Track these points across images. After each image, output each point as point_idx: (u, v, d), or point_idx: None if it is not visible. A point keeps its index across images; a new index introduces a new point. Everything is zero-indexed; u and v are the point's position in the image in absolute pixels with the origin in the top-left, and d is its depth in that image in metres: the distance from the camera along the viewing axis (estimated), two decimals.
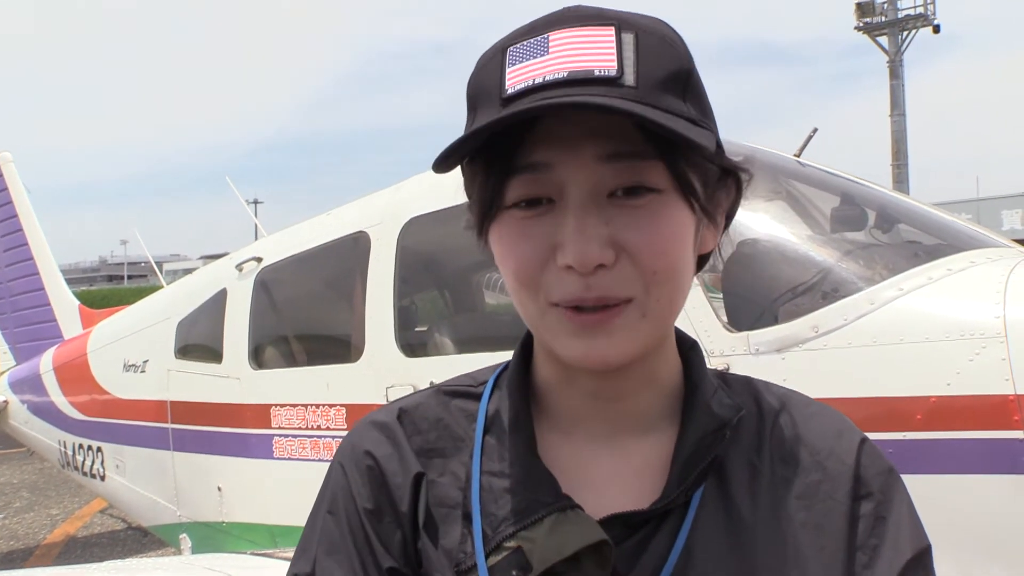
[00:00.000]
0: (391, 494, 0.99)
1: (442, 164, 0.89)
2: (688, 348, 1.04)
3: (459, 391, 1.06)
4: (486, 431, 1.01)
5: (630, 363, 0.92)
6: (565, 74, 0.85)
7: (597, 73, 0.85)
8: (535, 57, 0.87)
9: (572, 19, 0.89)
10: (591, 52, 0.86)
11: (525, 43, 0.89)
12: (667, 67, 0.88)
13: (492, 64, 0.90)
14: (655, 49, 0.88)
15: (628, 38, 0.87)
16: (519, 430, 0.98)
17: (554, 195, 0.88)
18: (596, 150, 0.86)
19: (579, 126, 0.86)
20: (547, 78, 0.86)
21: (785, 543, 0.94)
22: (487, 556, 0.92)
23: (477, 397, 1.05)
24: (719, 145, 0.94)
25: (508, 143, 0.88)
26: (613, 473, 0.98)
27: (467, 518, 0.96)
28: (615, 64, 0.85)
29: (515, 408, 1.00)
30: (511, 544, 0.91)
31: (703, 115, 0.91)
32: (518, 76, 0.87)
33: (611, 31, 0.87)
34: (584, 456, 0.99)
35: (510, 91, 0.87)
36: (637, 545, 0.92)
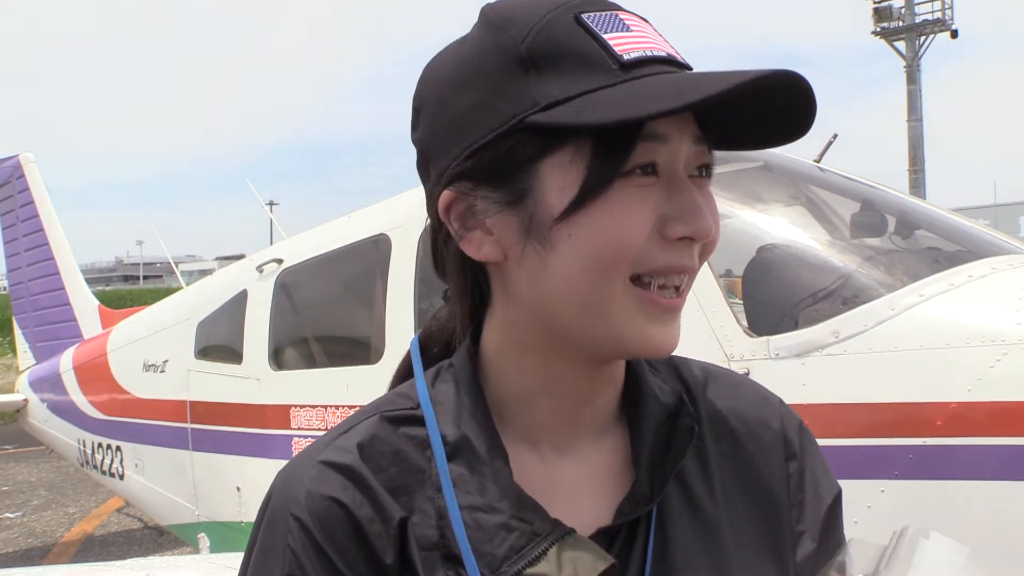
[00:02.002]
0: (370, 545, 0.88)
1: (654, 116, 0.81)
2: None
3: (402, 417, 0.94)
4: (451, 459, 0.90)
5: None
6: (664, 54, 0.85)
7: (678, 59, 0.86)
8: (623, 31, 0.85)
9: (611, 5, 0.88)
10: (657, 37, 0.87)
11: (600, 14, 0.85)
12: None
13: (566, 25, 0.85)
14: None
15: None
16: (497, 457, 0.90)
17: (661, 169, 0.85)
18: (692, 132, 0.86)
19: None
20: (655, 53, 0.85)
21: (735, 517, 0.96)
22: None
23: (419, 421, 0.93)
24: None
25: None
26: (578, 481, 0.95)
27: (450, 560, 0.87)
28: (677, 54, 0.87)
29: (486, 432, 0.91)
30: None
31: None
32: (625, 45, 0.84)
33: (643, 21, 0.88)
34: (549, 468, 0.95)
35: (626, 56, 0.83)
36: (620, 553, 0.90)
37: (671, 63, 0.85)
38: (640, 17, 0.89)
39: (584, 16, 0.85)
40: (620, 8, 0.88)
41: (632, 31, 0.85)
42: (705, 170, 0.89)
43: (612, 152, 0.82)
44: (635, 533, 0.92)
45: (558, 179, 0.84)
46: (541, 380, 0.93)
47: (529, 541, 0.86)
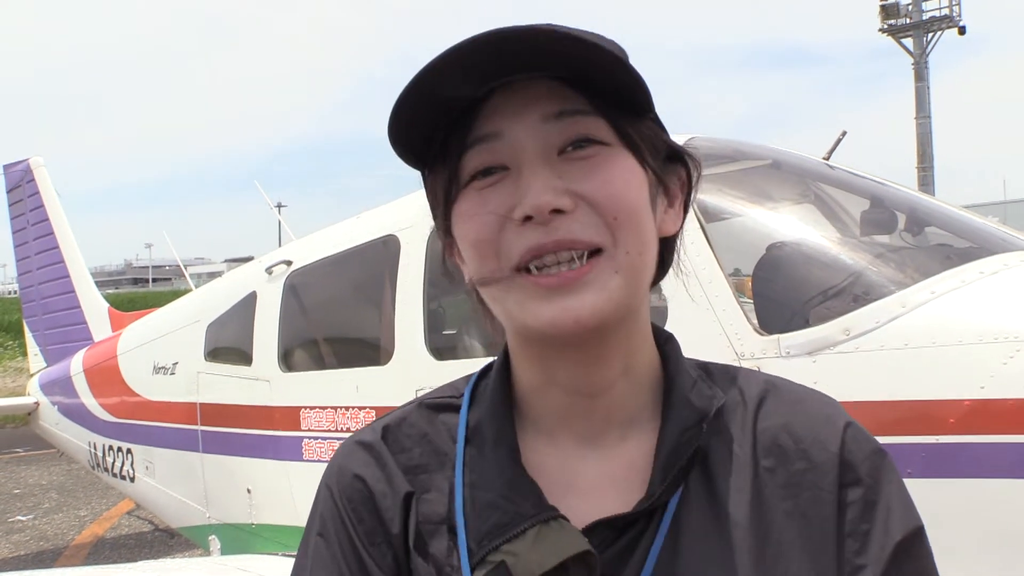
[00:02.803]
0: (381, 516, 1.00)
1: (395, 133, 0.94)
2: (664, 341, 1.04)
3: (442, 404, 1.06)
4: (467, 443, 1.00)
5: (604, 327, 0.92)
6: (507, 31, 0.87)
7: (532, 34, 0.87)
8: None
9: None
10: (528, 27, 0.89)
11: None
12: (607, 45, 0.91)
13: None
14: (591, 35, 0.90)
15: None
16: (501, 441, 0.98)
17: (508, 163, 0.92)
18: (541, 111, 0.91)
19: (523, 94, 0.91)
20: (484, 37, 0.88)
21: (770, 534, 0.93)
22: (472, 570, 0.91)
23: (458, 409, 1.05)
24: (660, 125, 0.99)
25: (459, 127, 0.93)
26: (599, 476, 0.98)
27: (452, 532, 0.96)
28: (549, 27, 0.88)
29: (496, 418, 1.00)
30: (495, 558, 0.90)
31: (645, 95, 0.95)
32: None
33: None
34: (570, 461, 0.99)
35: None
36: (625, 548, 0.92)
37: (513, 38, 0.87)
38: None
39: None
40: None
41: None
42: (579, 144, 0.92)
43: (446, 168, 0.95)
44: (647, 528, 0.93)
45: (440, 198, 0.98)
46: (541, 369, 0.99)
47: (512, 520, 0.92)
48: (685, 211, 1.04)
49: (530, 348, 0.99)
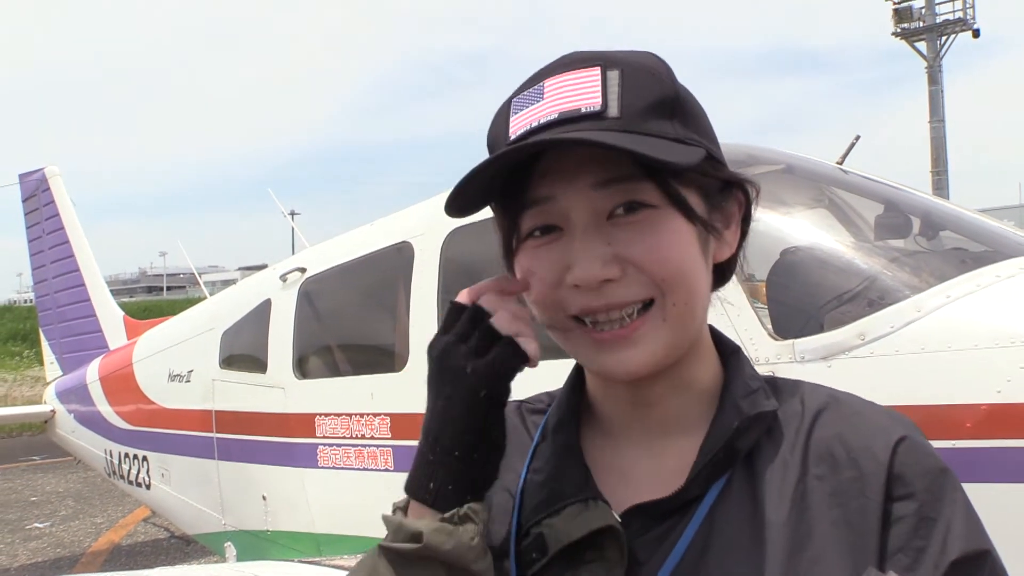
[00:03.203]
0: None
1: (453, 206, 1.01)
2: (729, 354, 1.10)
3: (533, 408, 1.20)
4: (542, 438, 1.13)
5: (656, 372, 1.00)
6: (556, 115, 0.96)
7: (584, 111, 0.95)
8: (533, 104, 0.99)
9: (564, 65, 1.00)
10: (579, 92, 0.97)
11: (525, 93, 1.00)
12: (651, 95, 0.97)
13: (501, 116, 1.02)
14: (640, 81, 0.97)
15: (613, 75, 0.97)
16: (560, 431, 1.10)
17: (561, 223, 0.99)
18: (591, 179, 0.97)
19: (574, 159, 0.97)
20: (541, 121, 0.96)
21: (809, 540, 0.94)
22: (518, 542, 1.03)
23: (542, 411, 1.17)
24: (716, 159, 1.03)
25: (517, 183, 1.00)
26: (649, 472, 1.06)
27: (512, 511, 1.07)
28: (599, 100, 0.95)
29: (561, 414, 1.12)
30: (536, 530, 1.02)
31: (696, 133, 1.00)
32: (519, 123, 0.99)
33: (597, 71, 0.97)
34: (625, 458, 1.08)
35: (512, 137, 0.98)
36: (661, 535, 0.99)
37: (567, 121, 0.95)
38: (581, 67, 0.99)
39: (513, 101, 1.02)
40: (559, 72, 1.00)
41: (543, 99, 0.98)
42: (628, 207, 0.97)
43: (505, 225, 1.05)
44: (681, 521, 0.99)
45: (501, 246, 1.08)
46: (600, 383, 1.10)
47: (555, 498, 1.03)
48: (744, 227, 1.10)
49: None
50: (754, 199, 1.10)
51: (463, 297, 1.03)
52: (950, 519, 0.95)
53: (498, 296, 1.02)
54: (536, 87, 1.00)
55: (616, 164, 0.95)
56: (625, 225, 0.97)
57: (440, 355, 1.01)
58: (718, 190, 1.04)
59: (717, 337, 1.11)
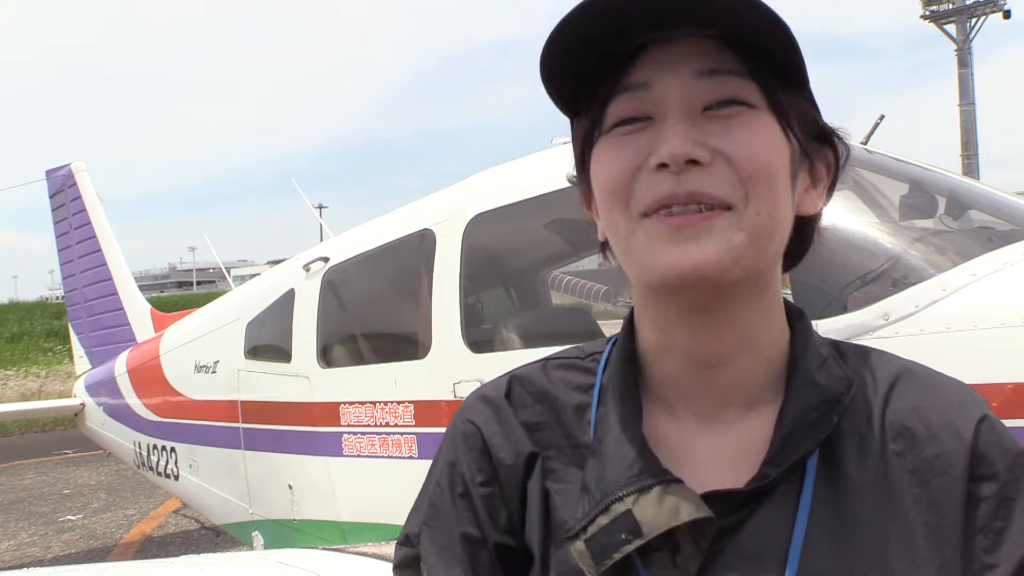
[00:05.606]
0: (497, 471, 1.03)
1: (545, 65, 0.94)
2: (796, 318, 1.02)
3: (566, 363, 1.09)
4: (600, 403, 1.02)
5: (723, 283, 0.91)
6: None
7: None
8: None
9: None
10: None
11: None
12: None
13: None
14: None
15: None
16: (626, 402, 0.99)
17: (653, 113, 0.91)
18: (693, 67, 0.90)
19: (678, 50, 0.90)
20: None
21: (896, 520, 0.91)
22: (594, 519, 0.92)
23: (584, 369, 1.07)
24: (814, 104, 0.98)
25: (613, 69, 0.93)
26: (714, 452, 0.97)
27: (581, 486, 0.97)
28: None
29: (622, 381, 1.01)
30: (621, 508, 0.91)
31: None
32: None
33: None
34: (686, 434, 0.99)
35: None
36: (735, 524, 0.91)
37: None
38: None
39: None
40: None
41: None
42: (725, 104, 0.90)
43: (591, 112, 0.95)
44: (759, 507, 0.91)
45: (580, 141, 1.00)
46: (662, 333, 0.99)
47: (639, 475, 0.92)
48: (829, 194, 1.03)
49: (654, 307, 0.99)
50: (843, 163, 1.03)
51: None
52: None
53: None
54: None
55: (722, 57, 0.90)
56: (721, 119, 0.90)
57: None
58: (813, 128, 0.98)
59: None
